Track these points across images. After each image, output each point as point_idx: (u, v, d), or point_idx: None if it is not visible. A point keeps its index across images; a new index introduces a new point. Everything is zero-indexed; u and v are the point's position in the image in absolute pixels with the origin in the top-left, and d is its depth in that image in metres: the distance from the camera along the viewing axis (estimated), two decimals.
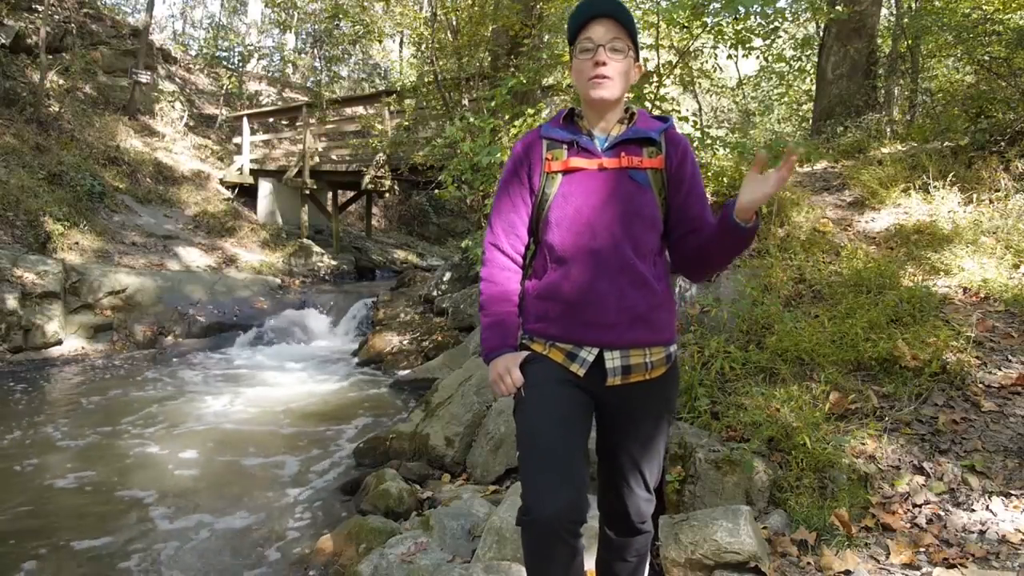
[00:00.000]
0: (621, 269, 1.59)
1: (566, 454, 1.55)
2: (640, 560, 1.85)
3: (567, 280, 1.61)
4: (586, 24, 1.60)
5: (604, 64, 1.57)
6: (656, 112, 5.24)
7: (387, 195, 13.10)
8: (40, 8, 12.24)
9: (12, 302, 6.90)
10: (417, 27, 10.08)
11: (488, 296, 1.71)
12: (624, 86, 1.63)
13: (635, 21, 1.63)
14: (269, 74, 20.81)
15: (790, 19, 9.68)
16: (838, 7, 8.11)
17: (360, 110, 15.19)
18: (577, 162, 1.63)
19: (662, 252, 1.70)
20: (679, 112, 6.12)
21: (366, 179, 11.36)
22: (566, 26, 1.68)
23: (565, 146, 1.66)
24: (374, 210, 15.94)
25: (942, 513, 2.45)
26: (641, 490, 1.73)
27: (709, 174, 5.09)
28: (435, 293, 8.22)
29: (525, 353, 1.67)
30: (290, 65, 21.56)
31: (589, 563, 1.90)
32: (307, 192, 12.56)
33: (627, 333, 1.60)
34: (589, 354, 1.61)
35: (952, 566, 2.20)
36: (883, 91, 9.45)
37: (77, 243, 9.07)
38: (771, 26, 6.02)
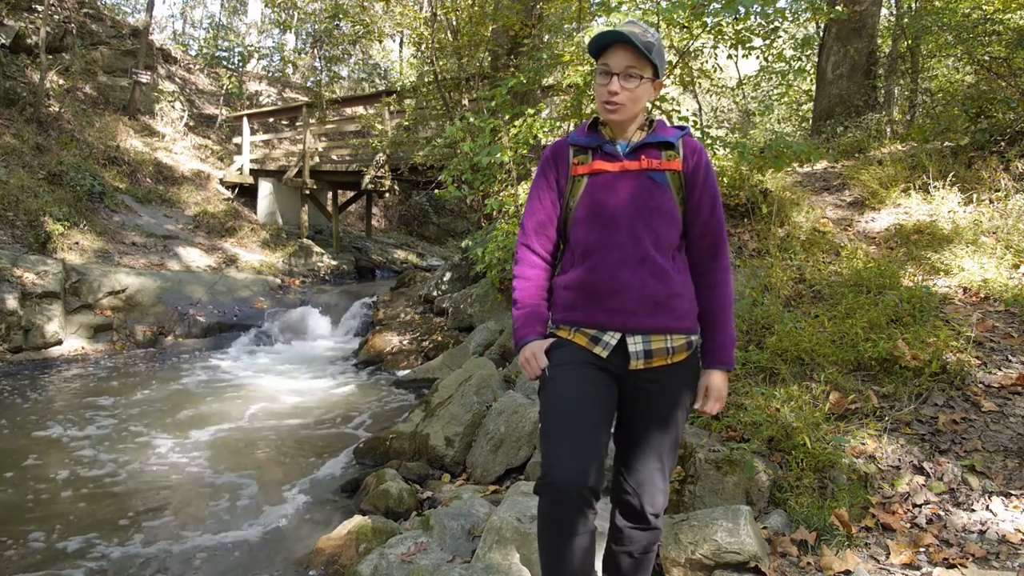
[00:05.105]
0: (642, 261, 1.70)
1: (584, 425, 1.65)
2: (644, 559, 1.88)
3: (592, 271, 1.73)
4: (605, 49, 1.73)
5: (616, 93, 1.71)
6: (656, 112, 5.24)
7: (387, 195, 13.09)
8: (40, 8, 12.23)
9: (12, 302, 6.90)
10: (417, 27, 10.06)
11: (520, 291, 1.85)
12: (636, 108, 1.75)
13: (654, 45, 1.70)
14: (269, 74, 20.81)
15: (790, 19, 9.68)
16: (838, 7, 8.11)
17: (360, 110, 15.18)
18: (601, 165, 1.77)
19: (682, 248, 1.82)
20: (679, 112, 6.12)
21: (366, 179, 11.36)
22: (586, 46, 1.85)
23: (590, 151, 1.80)
24: (374, 210, 15.95)
25: (942, 513, 2.45)
26: (657, 479, 1.79)
27: None
28: (435, 293, 8.22)
29: (551, 340, 1.80)
30: (290, 65, 21.55)
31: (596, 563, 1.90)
32: (307, 192, 12.56)
33: (647, 319, 1.71)
34: (612, 338, 1.72)
35: (952, 566, 2.20)
36: (883, 91, 9.46)
37: (77, 243, 9.07)
38: (771, 26, 6.03)
